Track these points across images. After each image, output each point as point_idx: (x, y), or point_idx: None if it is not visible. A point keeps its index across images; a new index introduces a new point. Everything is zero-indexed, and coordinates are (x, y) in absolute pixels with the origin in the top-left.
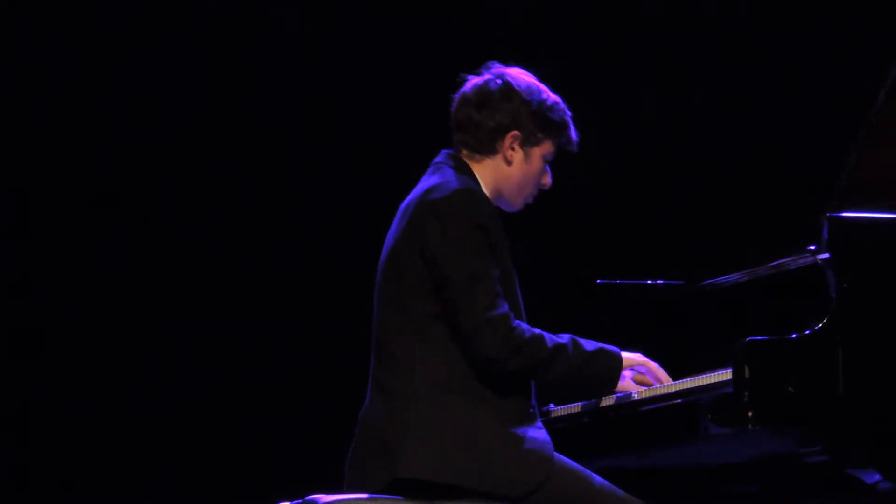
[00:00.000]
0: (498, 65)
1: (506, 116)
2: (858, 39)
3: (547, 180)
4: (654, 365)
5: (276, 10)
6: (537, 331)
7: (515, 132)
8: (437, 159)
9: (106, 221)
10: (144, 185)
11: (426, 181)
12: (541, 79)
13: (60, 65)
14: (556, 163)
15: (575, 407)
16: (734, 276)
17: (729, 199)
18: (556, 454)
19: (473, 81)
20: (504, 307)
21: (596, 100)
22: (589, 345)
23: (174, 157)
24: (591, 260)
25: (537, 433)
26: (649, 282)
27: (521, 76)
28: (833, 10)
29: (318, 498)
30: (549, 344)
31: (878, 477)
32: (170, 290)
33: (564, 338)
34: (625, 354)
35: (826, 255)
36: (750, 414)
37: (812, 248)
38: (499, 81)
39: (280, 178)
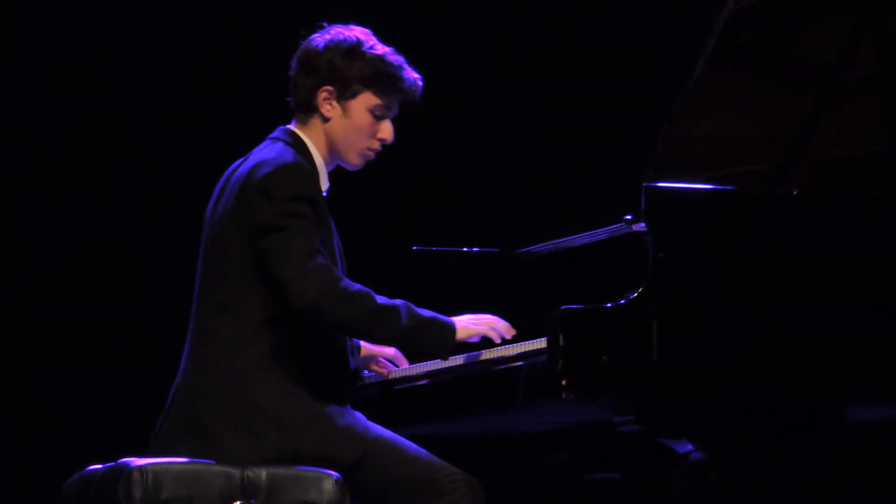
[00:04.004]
0: (336, 26)
1: (319, 72)
2: (679, 8)
3: (386, 134)
4: (487, 326)
5: None
6: (367, 288)
7: (328, 87)
8: (273, 134)
9: None
10: None
11: (256, 155)
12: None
13: None
14: None
15: (389, 373)
16: (550, 245)
17: (547, 168)
18: (370, 425)
19: (304, 43)
20: (326, 261)
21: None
22: (424, 312)
23: None
24: (408, 227)
25: (348, 410)
26: (465, 249)
27: (345, 32)
28: None
29: (131, 461)
30: (379, 301)
31: (690, 447)
32: None
33: (398, 301)
34: (458, 322)
35: (642, 225)
36: (564, 382)
37: (629, 217)
38: (318, 39)
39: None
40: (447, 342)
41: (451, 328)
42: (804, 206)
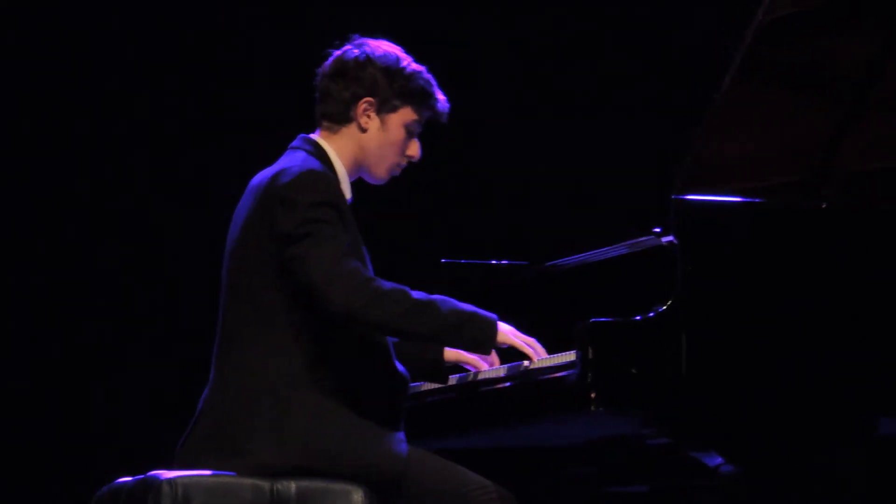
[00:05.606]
0: (361, 38)
1: (360, 84)
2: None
3: (414, 151)
4: (521, 343)
5: None
6: (402, 286)
7: (369, 99)
8: (293, 143)
9: None
10: None
11: (277, 165)
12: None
13: None
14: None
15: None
16: (578, 258)
17: (575, 181)
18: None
19: (335, 54)
20: (355, 263)
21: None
22: (464, 306)
23: None
24: (438, 239)
25: (388, 428)
26: (493, 262)
27: (380, 45)
28: None
29: (160, 474)
30: (415, 296)
31: (719, 460)
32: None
33: (436, 296)
34: (501, 325)
35: (671, 238)
36: (593, 395)
37: (657, 230)
38: (356, 51)
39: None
40: (489, 336)
41: (493, 323)
42: (833, 219)
